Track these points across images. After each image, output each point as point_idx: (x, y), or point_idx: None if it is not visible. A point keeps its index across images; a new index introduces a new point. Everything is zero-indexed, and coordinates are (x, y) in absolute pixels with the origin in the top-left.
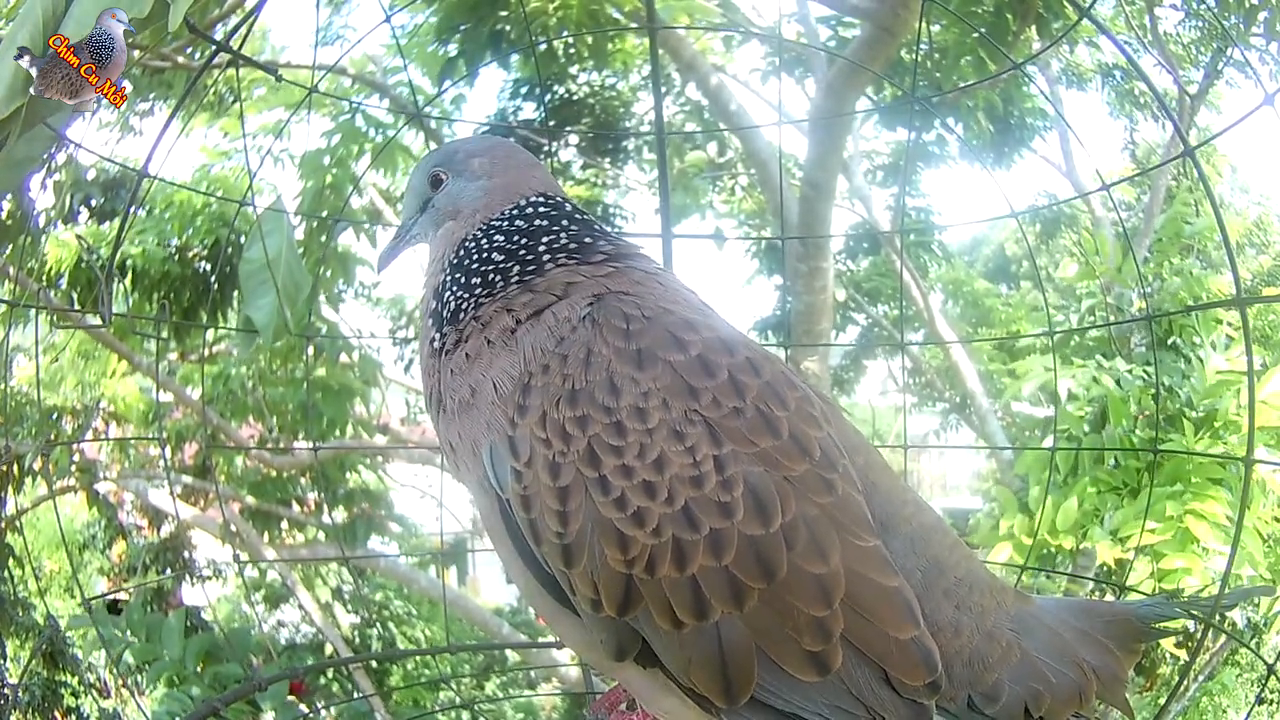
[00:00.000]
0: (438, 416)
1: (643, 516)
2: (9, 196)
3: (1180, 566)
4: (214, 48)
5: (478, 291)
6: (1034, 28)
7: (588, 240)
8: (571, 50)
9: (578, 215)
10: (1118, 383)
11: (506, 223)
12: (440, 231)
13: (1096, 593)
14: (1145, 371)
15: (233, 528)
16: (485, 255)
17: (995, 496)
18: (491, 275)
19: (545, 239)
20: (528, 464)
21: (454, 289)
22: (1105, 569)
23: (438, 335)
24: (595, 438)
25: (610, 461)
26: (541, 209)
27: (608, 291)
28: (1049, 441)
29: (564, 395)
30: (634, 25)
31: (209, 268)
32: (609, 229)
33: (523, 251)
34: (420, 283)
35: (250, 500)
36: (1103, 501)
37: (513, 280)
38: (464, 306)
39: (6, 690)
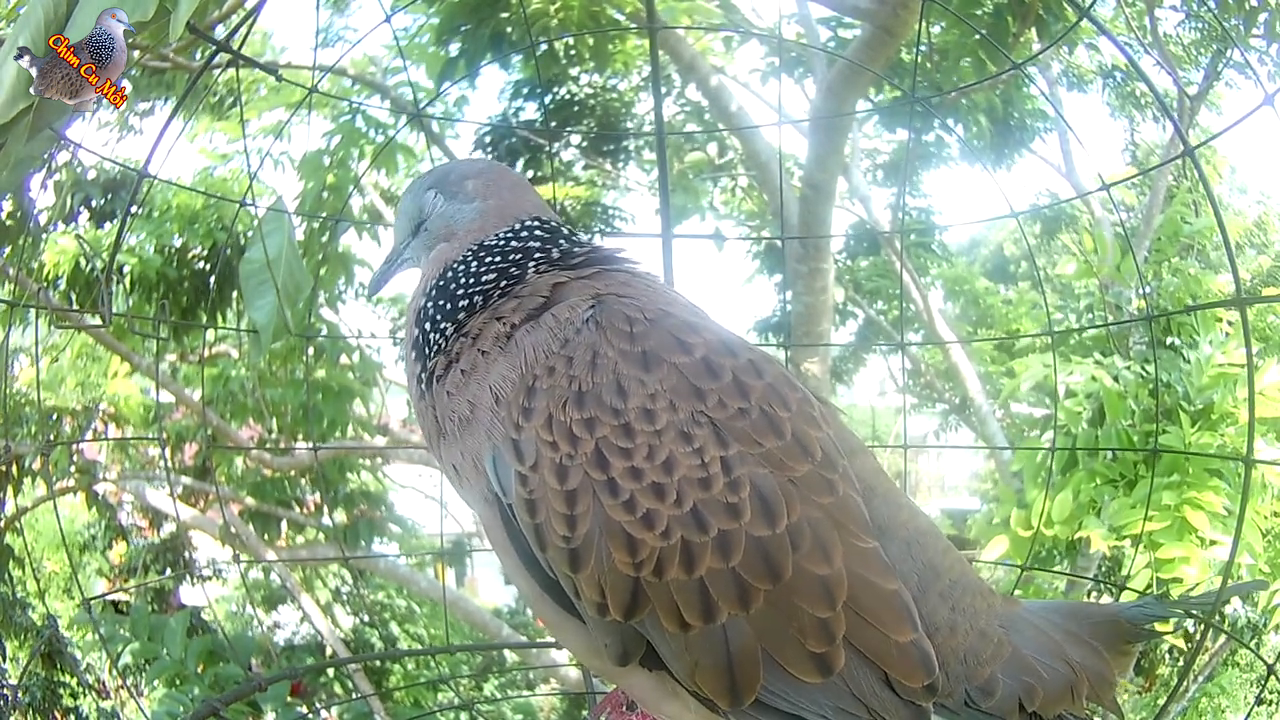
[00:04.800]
0: (439, 443)
1: (652, 519)
2: (9, 197)
3: (1178, 556)
4: (214, 48)
5: (461, 316)
6: (1034, 29)
7: (572, 249)
8: (572, 51)
9: (573, 237)
10: (1115, 379)
11: (501, 243)
12: (432, 255)
13: (1095, 592)
14: (1144, 368)
15: (232, 529)
16: (475, 278)
17: (995, 495)
18: (477, 296)
19: (536, 255)
20: (533, 468)
21: (435, 316)
22: (1100, 558)
23: (421, 370)
24: (603, 440)
25: (619, 464)
26: (537, 231)
27: (605, 292)
28: (1050, 437)
29: (570, 397)
30: (634, 26)
31: (208, 268)
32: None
33: (513, 269)
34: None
35: (250, 501)
36: (1099, 493)
37: (496, 293)
38: (448, 333)
39: (6, 691)
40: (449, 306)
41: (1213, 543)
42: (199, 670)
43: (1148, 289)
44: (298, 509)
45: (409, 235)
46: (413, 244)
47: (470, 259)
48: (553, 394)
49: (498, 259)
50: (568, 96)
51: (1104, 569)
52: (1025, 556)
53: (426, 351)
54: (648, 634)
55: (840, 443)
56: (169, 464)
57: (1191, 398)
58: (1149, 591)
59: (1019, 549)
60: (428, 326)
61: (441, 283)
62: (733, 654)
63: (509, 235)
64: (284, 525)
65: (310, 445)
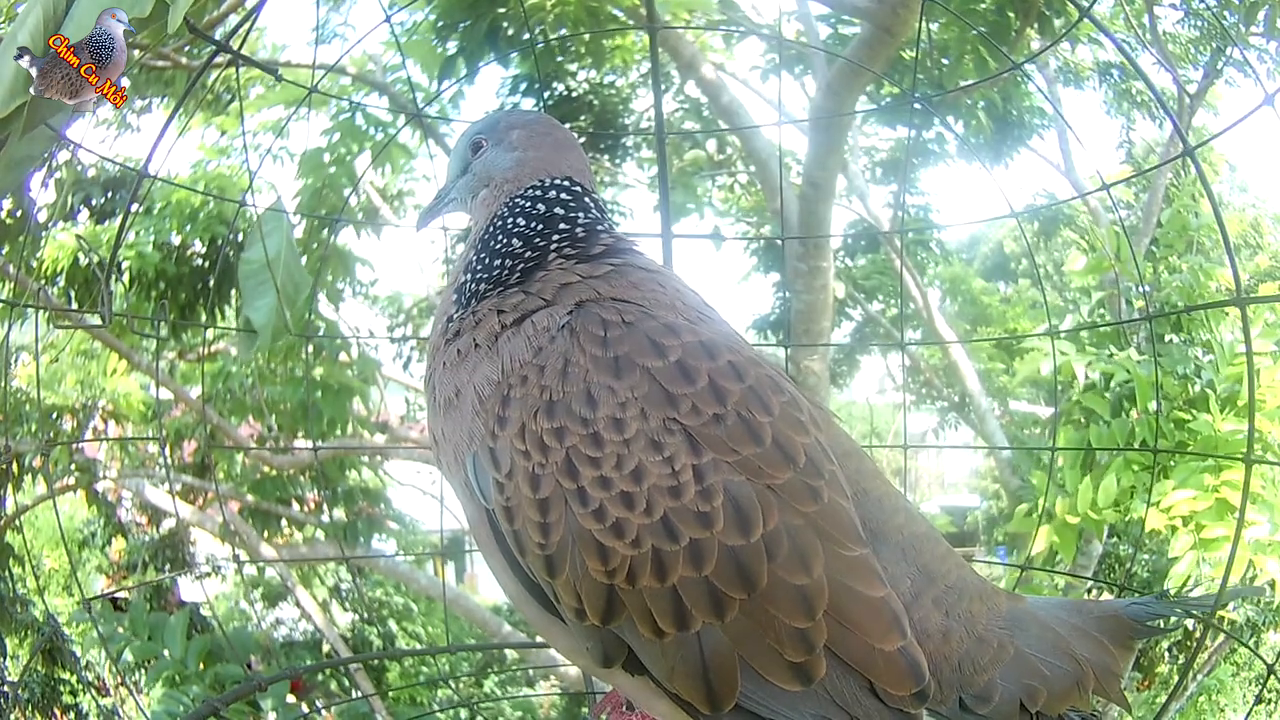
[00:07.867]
0: (430, 403)
1: (621, 528)
2: (9, 196)
3: (1220, 535)
4: (214, 47)
5: (495, 274)
6: (1035, 26)
7: (598, 230)
8: (571, 48)
9: (594, 207)
10: (1127, 371)
11: (529, 204)
12: (476, 200)
13: (1094, 591)
14: (1158, 360)
15: (232, 527)
16: (507, 239)
17: (1001, 491)
18: (504, 264)
19: (560, 226)
20: (509, 476)
21: (478, 269)
22: (1101, 556)
23: (455, 314)
24: (573, 449)
25: (588, 473)
26: (563, 194)
27: (596, 297)
28: (1065, 434)
29: (541, 407)
30: (633, 24)
31: (207, 265)
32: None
33: (537, 239)
34: (418, 282)
35: (250, 499)
36: (1139, 479)
37: (516, 272)
38: (479, 291)
39: (6, 688)
40: (487, 262)
41: (1251, 523)
42: (199, 669)
43: (1147, 288)
44: (297, 506)
45: (457, 175)
46: (459, 185)
47: (507, 215)
48: (525, 403)
49: (521, 222)
50: (566, 93)
51: (1104, 567)
52: (1073, 546)
53: (465, 299)
54: (626, 638)
55: (832, 446)
56: (168, 461)
57: (1216, 386)
58: (1188, 579)
59: (1065, 538)
60: (468, 277)
61: (486, 235)
62: (708, 661)
63: (535, 192)
64: (284, 523)
65: (310, 445)
